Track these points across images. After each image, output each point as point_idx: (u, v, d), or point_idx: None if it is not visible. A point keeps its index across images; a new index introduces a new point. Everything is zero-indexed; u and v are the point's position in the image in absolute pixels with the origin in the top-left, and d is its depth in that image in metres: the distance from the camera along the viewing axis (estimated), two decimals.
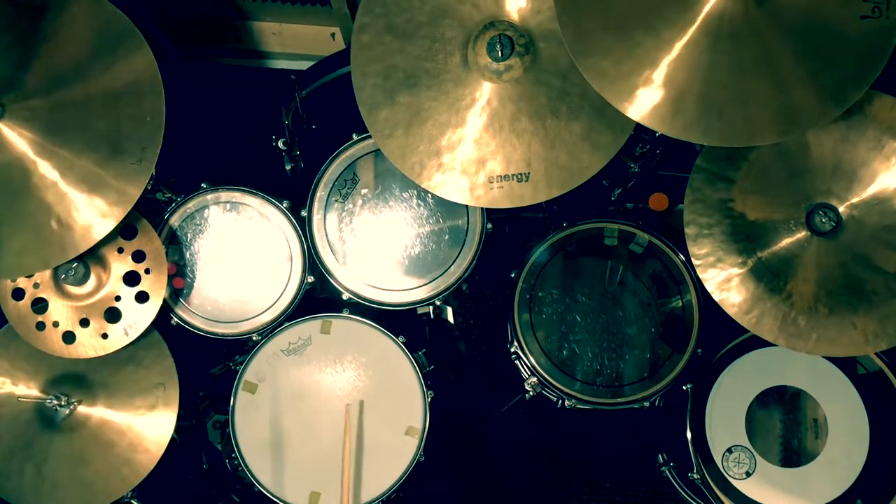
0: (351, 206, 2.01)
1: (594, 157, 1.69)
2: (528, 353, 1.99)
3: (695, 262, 1.74)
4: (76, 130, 1.70)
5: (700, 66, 1.51)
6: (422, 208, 2.00)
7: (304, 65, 2.70)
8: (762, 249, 1.72)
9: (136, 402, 1.92)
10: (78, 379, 1.93)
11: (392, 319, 2.03)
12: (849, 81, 1.50)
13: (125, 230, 1.88)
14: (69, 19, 1.72)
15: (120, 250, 1.87)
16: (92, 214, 1.70)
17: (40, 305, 1.87)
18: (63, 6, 1.72)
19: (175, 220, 2.01)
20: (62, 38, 1.71)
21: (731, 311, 1.72)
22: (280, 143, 2.12)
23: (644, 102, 1.53)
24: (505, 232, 2.43)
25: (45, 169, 1.69)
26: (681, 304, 1.99)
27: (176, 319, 2.00)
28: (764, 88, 1.51)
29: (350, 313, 2.01)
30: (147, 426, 1.91)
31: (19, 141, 1.68)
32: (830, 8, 1.50)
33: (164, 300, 1.93)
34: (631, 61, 1.53)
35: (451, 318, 2.22)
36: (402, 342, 1.98)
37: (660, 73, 1.52)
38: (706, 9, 1.50)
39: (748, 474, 1.93)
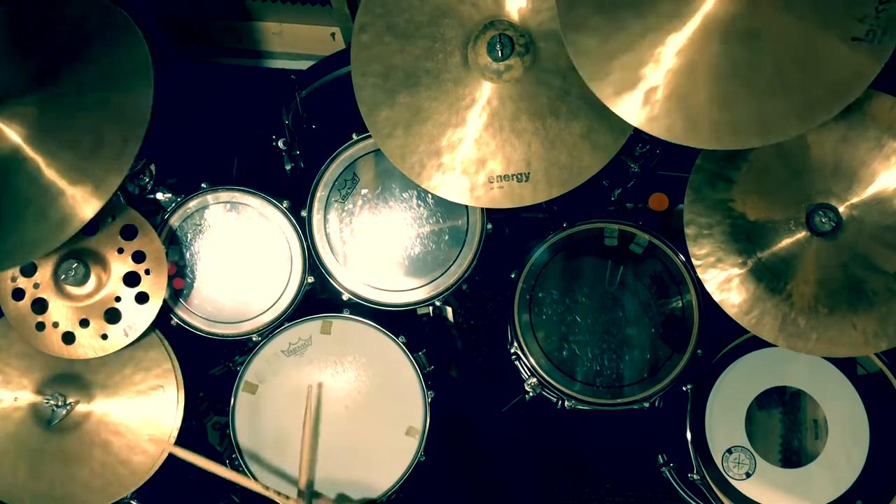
0: (351, 206, 2.01)
1: (594, 156, 1.69)
2: (527, 353, 1.99)
3: (695, 262, 1.74)
4: (64, 125, 1.69)
5: (703, 68, 1.51)
6: (422, 208, 2.00)
7: (304, 65, 2.70)
8: (762, 249, 1.72)
9: (135, 403, 1.92)
10: (76, 379, 1.93)
11: (392, 320, 2.03)
12: (819, 102, 1.47)
13: (125, 230, 1.87)
14: (65, 12, 1.71)
15: (120, 251, 1.87)
16: (69, 207, 1.68)
17: (40, 305, 1.87)
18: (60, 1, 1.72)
19: (175, 220, 2.01)
20: (57, 31, 1.70)
21: (731, 311, 1.72)
22: (280, 143, 2.12)
23: (643, 106, 1.52)
24: (505, 232, 2.43)
25: (29, 163, 1.68)
26: (681, 305, 1.99)
27: (176, 320, 2.00)
28: (745, 92, 1.49)
29: (350, 314, 2.01)
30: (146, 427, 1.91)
31: (9, 133, 1.67)
32: (827, 20, 1.46)
33: (164, 301, 1.92)
34: (630, 61, 1.52)
35: (450, 317, 2.22)
36: (403, 342, 1.98)
37: (658, 77, 1.51)
38: (704, 9, 1.49)
39: (748, 475, 1.92)
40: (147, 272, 1.87)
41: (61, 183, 1.68)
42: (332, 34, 2.70)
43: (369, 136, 1.96)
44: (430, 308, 2.06)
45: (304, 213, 1.99)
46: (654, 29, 1.51)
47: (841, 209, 1.69)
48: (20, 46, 1.70)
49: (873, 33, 1.43)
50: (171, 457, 1.90)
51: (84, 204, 1.68)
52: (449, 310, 2.29)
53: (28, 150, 1.68)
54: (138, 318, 1.86)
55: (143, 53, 1.70)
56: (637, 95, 1.52)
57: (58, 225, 1.68)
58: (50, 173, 1.68)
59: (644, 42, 1.51)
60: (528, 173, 1.70)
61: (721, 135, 1.50)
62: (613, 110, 1.53)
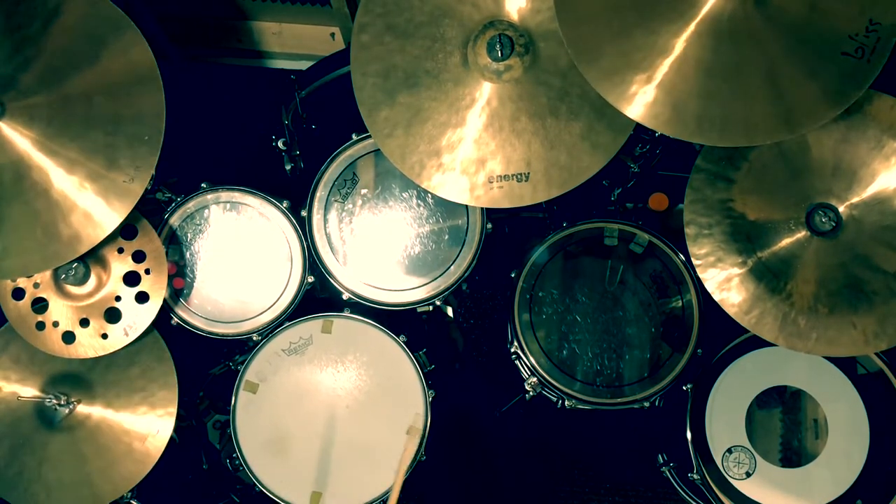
0: (351, 206, 2.01)
1: (594, 157, 1.69)
2: (528, 353, 1.99)
3: (695, 262, 1.74)
4: (75, 139, 1.68)
5: (698, 65, 1.51)
6: (422, 208, 2.00)
7: (304, 65, 2.70)
8: (762, 249, 1.72)
9: (135, 402, 1.92)
10: (77, 378, 1.93)
11: (392, 319, 2.03)
12: (804, 113, 1.48)
13: (125, 230, 1.87)
14: (72, 21, 1.70)
15: (120, 250, 1.87)
16: (79, 227, 1.69)
17: (40, 305, 1.87)
18: (67, 8, 1.71)
19: (175, 220, 2.01)
20: (66, 41, 1.69)
21: (731, 311, 1.72)
22: (280, 143, 2.13)
23: (632, 92, 1.53)
24: (505, 232, 2.44)
25: (39, 175, 1.67)
26: (681, 304, 1.99)
27: (176, 319, 2.00)
28: (732, 92, 1.51)
29: (351, 313, 2.01)
30: (146, 426, 1.91)
31: (20, 140, 1.67)
32: (821, 32, 1.47)
33: (165, 300, 1.93)
34: (630, 59, 1.53)
35: (450, 314, 2.22)
36: (404, 341, 1.98)
37: (659, 72, 1.52)
38: (702, 7, 1.50)
39: (748, 474, 1.93)
40: (147, 272, 1.87)
41: (70, 200, 1.68)
42: (332, 34, 2.70)
43: (369, 136, 1.96)
44: (430, 308, 2.06)
45: (304, 213, 1.99)
46: (651, 19, 1.51)
47: (841, 209, 1.69)
48: (24, 52, 1.70)
49: (862, 51, 1.44)
50: (169, 456, 1.90)
51: (93, 225, 1.68)
52: (449, 309, 2.29)
53: (36, 161, 1.67)
54: (138, 317, 1.86)
55: (157, 83, 1.69)
56: (626, 80, 1.52)
57: (67, 243, 1.69)
58: (61, 187, 1.68)
59: (638, 30, 1.52)
60: (528, 173, 1.70)
61: (705, 129, 1.52)
62: (600, 92, 1.53)
